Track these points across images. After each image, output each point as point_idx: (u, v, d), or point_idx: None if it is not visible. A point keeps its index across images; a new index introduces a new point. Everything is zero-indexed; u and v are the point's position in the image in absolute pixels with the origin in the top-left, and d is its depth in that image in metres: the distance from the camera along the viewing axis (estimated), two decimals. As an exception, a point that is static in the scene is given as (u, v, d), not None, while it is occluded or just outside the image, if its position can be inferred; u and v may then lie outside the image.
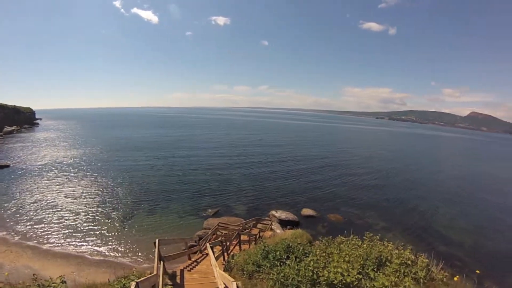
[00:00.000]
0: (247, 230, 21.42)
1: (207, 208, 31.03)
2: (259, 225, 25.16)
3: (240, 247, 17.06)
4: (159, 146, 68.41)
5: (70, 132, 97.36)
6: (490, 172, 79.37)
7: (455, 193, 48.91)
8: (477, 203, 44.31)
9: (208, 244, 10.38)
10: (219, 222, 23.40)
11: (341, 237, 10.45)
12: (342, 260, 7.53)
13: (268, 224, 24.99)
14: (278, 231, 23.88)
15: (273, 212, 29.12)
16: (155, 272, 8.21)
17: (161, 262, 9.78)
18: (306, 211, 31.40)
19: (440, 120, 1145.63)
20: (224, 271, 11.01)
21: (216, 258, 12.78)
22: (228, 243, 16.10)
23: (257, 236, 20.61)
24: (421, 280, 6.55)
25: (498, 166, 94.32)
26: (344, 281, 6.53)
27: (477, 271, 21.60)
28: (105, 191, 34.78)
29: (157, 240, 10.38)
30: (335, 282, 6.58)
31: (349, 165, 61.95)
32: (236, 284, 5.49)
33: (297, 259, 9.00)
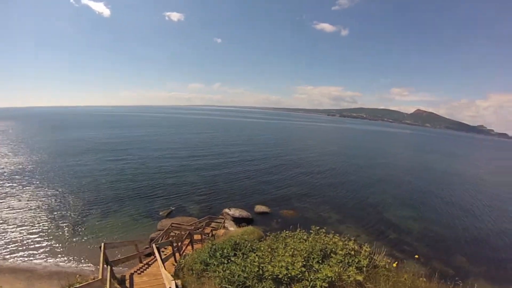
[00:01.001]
0: (200, 230, 21.45)
1: (161, 209, 30.47)
2: (213, 224, 25.26)
3: (192, 246, 16.98)
4: (109, 148, 64.77)
5: (10, 135, 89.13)
6: (434, 164, 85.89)
7: (403, 184, 52.32)
8: (423, 193, 47.75)
9: (154, 245, 10.15)
10: (172, 223, 23.14)
11: (287, 231, 10.70)
12: (287, 254, 7.70)
13: (220, 222, 25.10)
14: (231, 228, 23.98)
15: (227, 210, 29.27)
16: (100, 277, 7.98)
17: (108, 267, 9.49)
18: (260, 208, 31.82)
19: (389, 117, 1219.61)
20: (175, 271, 11.03)
21: (167, 259, 12.75)
22: (179, 244, 16.05)
23: (210, 234, 20.58)
24: (364, 269, 6.76)
25: (440, 159, 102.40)
26: (289, 275, 6.66)
27: (416, 256, 23.65)
28: (53, 199, 32.38)
29: (102, 244, 9.98)
30: (280, 276, 6.70)
31: (302, 162, 63.52)
32: (175, 283, 5.54)
33: (244, 256, 9.08)
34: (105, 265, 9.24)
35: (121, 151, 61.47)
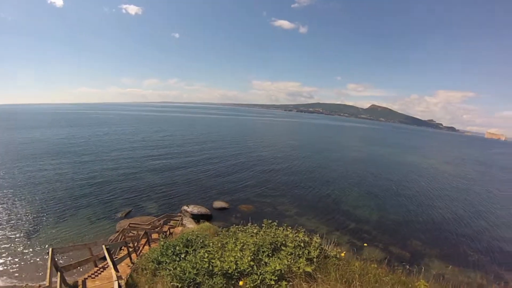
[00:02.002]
0: (158, 228, 21.22)
1: (119, 210, 29.51)
2: (172, 222, 25.08)
3: (149, 246, 16.85)
4: (62, 149, 60.32)
5: None
6: (389, 156, 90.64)
7: (361, 176, 54.42)
8: (380, 184, 50.08)
9: (103, 246, 9.95)
10: (130, 223, 22.69)
11: (237, 226, 10.84)
12: (236, 249, 7.73)
13: (178, 220, 24.93)
14: (190, 226, 23.80)
15: (185, 207, 29.05)
16: (47, 285, 7.71)
17: (59, 273, 9.15)
18: (218, 204, 31.92)
19: (345, 111, 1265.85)
20: (132, 272, 10.97)
21: (121, 260, 12.60)
22: (136, 244, 15.87)
23: (168, 233, 20.29)
24: (315, 260, 6.80)
25: (395, 151, 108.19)
26: (238, 269, 6.70)
27: (365, 244, 25.01)
28: (0, 208, 29.46)
29: (50, 249, 9.46)
30: (230, 271, 6.73)
31: (260, 157, 63.98)
32: (118, 283, 5.63)
33: (195, 252, 9.10)
34: (54, 271, 8.95)
35: (75, 152, 57.81)
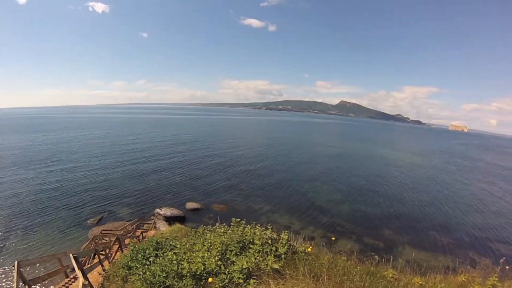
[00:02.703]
0: (130, 233, 20.98)
1: (90, 217, 28.60)
2: (145, 225, 24.79)
3: (122, 252, 16.64)
4: (27, 156, 56.91)
5: None
6: (360, 149, 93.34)
7: (332, 170, 55.69)
8: (350, 177, 51.54)
9: (71, 255, 9.76)
10: (102, 230, 22.11)
11: (204, 226, 10.90)
12: (203, 249, 7.71)
13: (151, 223, 24.66)
14: (163, 228, 23.52)
15: (158, 210, 28.76)
16: None
17: (26, 286, 8.82)
18: (191, 205, 31.81)
19: (315, 108, 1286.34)
20: (104, 280, 10.88)
21: (93, 268, 12.41)
22: (108, 250, 15.68)
23: (140, 237, 20.02)
24: (283, 256, 6.80)
25: (366, 144, 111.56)
26: (206, 270, 6.69)
27: (333, 238, 25.59)
28: None
29: (16, 262, 8.97)
30: (198, 272, 6.70)
31: (231, 156, 63.81)
32: None
33: (164, 255, 8.95)
34: (22, 285, 8.79)
35: (40, 159, 54.78)
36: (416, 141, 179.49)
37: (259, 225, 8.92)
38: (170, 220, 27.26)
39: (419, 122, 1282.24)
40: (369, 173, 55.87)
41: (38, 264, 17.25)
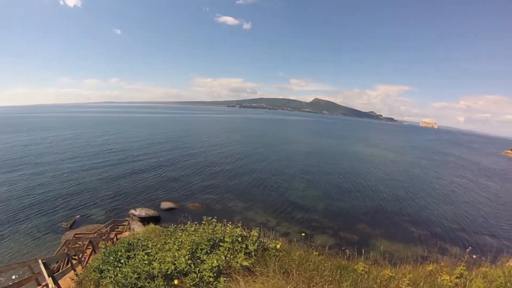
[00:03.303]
0: (105, 236, 20.70)
1: (63, 220, 27.72)
2: (120, 227, 24.58)
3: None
4: None
5: None
6: (335, 146, 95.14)
7: (306, 167, 56.39)
8: (325, 173, 52.40)
9: (40, 261, 9.36)
10: (75, 233, 21.61)
11: (175, 225, 10.90)
12: (174, 249, 7.71)
13: (126, 225, 24.40)
14: (138, 229, 23.63)
15: (133, 211, 28.30)
16: None
17: None
18: (166, 204, 31.60)
19: (289, 106, 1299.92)
20: (76, 285, 10.62)
21: (64, 274, 12.23)
22: (81, 254, 15.53)
23: (114, 239, 19.82)
24: (253, 253, 6.75)
25: (340, 141, 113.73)
26: (177, 269, 6.62)
27: (303, 234, 25.85)
28: None
29: None
30: (169, 272, 6.63)
31: (206, 154, 63.40)
32: None
33: (135, 256, 8.84)
34: None
35: (7, 163, 52.22)
36: (389, 137, 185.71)
37: (230, 223, 8.96)
38: (145, 220, 26.86)
39: (391, 119, 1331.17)
40: (343, 169, 56.96)
41: (7, 273, 16.75)
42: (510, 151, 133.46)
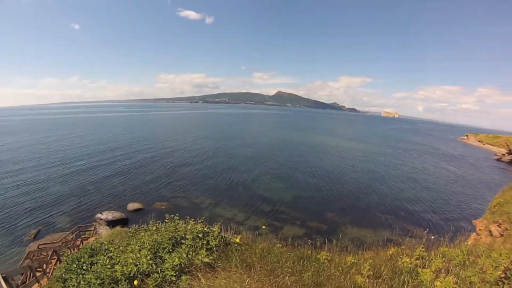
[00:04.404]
0: (71, 244, 20.12)
1: (26, 232, 26.24)
2: (87, 233, 23.90)
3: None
4: None
5: None
6: (297, 138, 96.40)
7: (271, 159, 57.01)
8: (290, 164, 53.25)
9: None
10: (39, 244, 20.68)
11: (136, 226, 10.62)
12: (136, 250, 7.42)
13: (92, 230, 23.76)
14: (106, 233, 23.32)
15: (99, 215, 27.51)
16: None
17: None
18: (133, 206, 30.98)
19: (251, 99, 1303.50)
20: None
21: (29, 287, 11.86)
22: (46, 266, 15.11)
23: (80, 246, 19.18)
24: (214, 249, 6.67)
25: (301, 133, 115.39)
26: (140, 271, 6.44)
27: (264, 227, 25.92)
28: None
29: None
30: (132, 274, 6.42)
31: (170, 152, 62.36)
32: None
33: (98, 260, 8.45)
34: None
35: None
36: (353, 127, 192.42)
37: (192, 219, 8.60)
38: (112, 224, 26.22)
39: (354, 110, 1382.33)
40: (309, 161, 58.12)
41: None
42: (465, 137, 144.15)
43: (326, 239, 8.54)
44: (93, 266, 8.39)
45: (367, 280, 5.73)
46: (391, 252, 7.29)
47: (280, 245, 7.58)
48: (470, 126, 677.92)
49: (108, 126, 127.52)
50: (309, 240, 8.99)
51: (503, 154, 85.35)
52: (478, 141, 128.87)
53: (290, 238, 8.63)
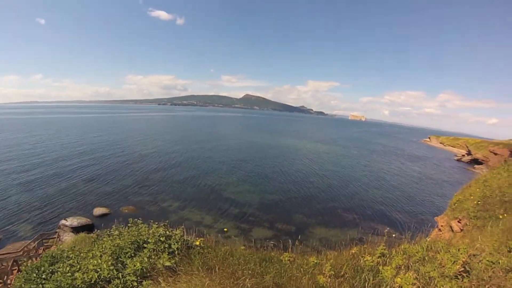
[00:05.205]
0: (33, 252, 19.43)
1: None
2: (50, 241, 23.06)
3: (23, 273, 15.49)
4: None
5: None
6: (263, 140, 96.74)
7: (239, 162, 57.17)
8: (257, 167, 53.50)
9: None
10: None
11: (98, 231, 10.40)
12: (98, 255, 7.28)
13: (55, 237, 22.79)
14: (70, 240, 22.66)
15: (63, 222, 26.42)
16: None
17: None
18: (98, 210, 30.18)
19: (219, 102, 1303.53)
20: None
21: None
22: (6, 277, 14.61)
23: (43, 255, 18.72)
24: (176, 252, 6.59)
25: (268, 136, 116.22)
26: (101, 277, 6.31)
27: (225, 229, 26.34)
28: None
29: None
30: (93, 281, 6.28)
31: (136, 155, 60.96)
32: None
33: (59, 269, 8.12)
34: None
35: None
36: (320, 130, 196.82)
37: (156, 223, 8.45)
38: (78, 230, 25.21)
39: (322, 113, 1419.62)
40: (277, 163, 58.80)
41: None
42: (428, 139, 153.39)
43: (291, 241, 8.47)
44: (53, 275, 8.17)
45: (329, 280, 5.76)
46: (353, 251, 7.35)
47: (244, 247, 7.59)
48: (433, 129, 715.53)
49: (74, 129, 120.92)
50: (271, 242, 9.11)
51: (463, 155, 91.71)
52: (440, 142, 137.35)
53: (254, 240, 8.94)
